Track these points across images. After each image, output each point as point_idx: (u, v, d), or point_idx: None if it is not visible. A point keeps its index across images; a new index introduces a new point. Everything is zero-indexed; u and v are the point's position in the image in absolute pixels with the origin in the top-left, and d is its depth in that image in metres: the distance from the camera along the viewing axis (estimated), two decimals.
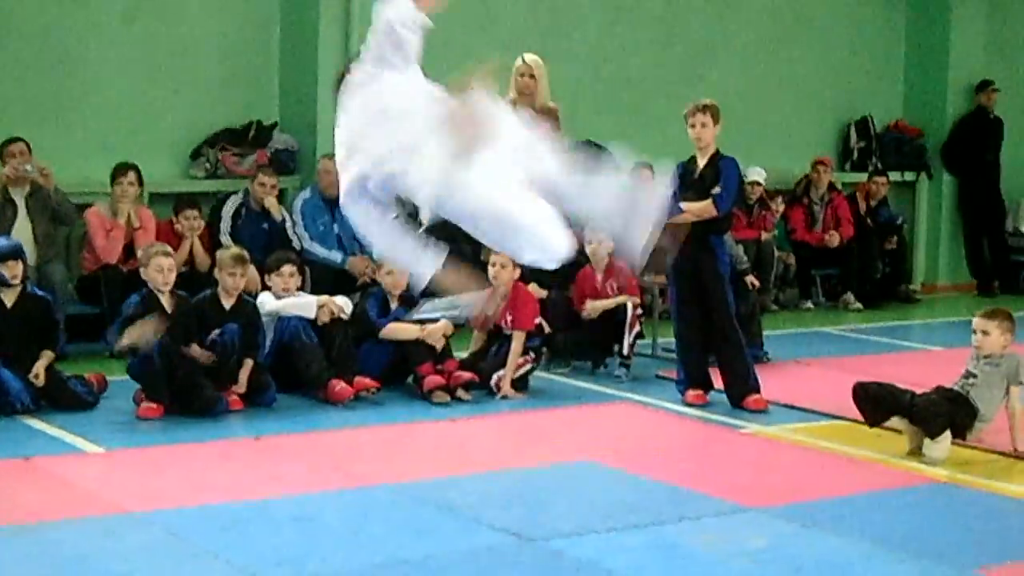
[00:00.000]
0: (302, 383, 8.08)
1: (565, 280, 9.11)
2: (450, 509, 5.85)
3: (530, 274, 8.74)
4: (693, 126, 8.08)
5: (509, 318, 8.42)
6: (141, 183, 9.59)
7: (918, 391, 6.99)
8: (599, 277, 9.13)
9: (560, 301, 9.12)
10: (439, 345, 8.25)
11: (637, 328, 9.01)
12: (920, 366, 9.38)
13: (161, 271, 7.87)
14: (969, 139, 13.37)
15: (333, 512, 5.85)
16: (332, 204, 10.07)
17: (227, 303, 7.95)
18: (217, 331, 7.78)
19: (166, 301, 7.85)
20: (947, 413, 6.78)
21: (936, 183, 13.70)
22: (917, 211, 13.78)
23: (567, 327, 9.09)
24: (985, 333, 6.95)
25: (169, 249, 8.23)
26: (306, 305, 8.24)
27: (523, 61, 9.65)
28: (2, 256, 7.74)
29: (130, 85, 10.35)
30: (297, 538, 5.45)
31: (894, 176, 13.30)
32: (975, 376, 6.92)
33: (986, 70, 13.57)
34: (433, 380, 8.06)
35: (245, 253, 8.25)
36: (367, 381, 8.04)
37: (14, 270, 7.74)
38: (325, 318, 8.21)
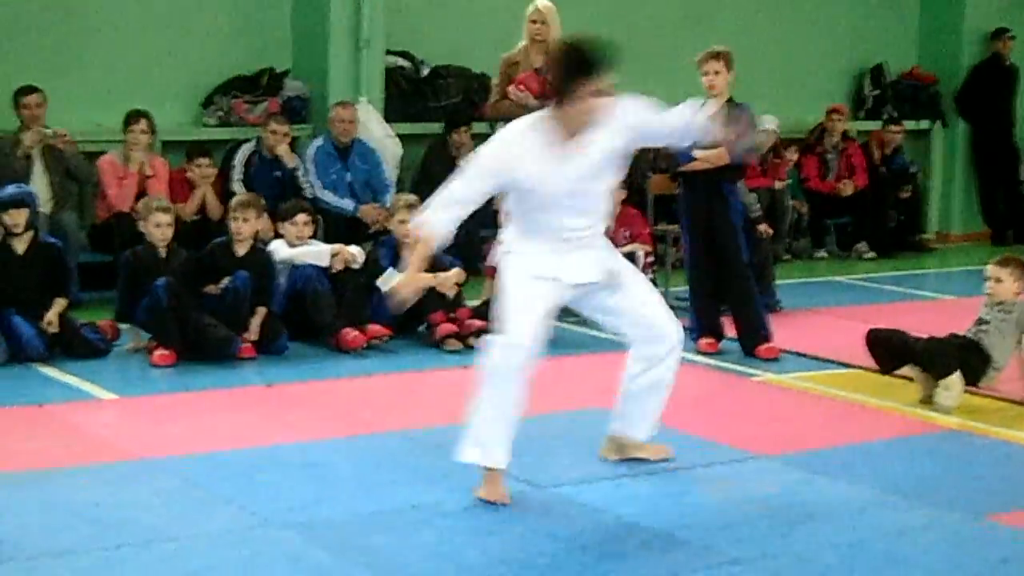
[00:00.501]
0: (315, 331, 8.10)
1: None
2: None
3: None
4: (706, 73, 8.04)
5: None
6: (153, 131, 9.59)
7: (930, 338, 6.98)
8: (611, 225, 9.10)
9: None
10: (451, 293, 8.26)
11: (649, 275, 8.99)
12: (933, 315, 9.37)
13: (159, 227, 7.91)
14: (984, 87, 13.30)
15: (344, 459, 5.87)
16: (344, 152, 10.08)
17: (240, 250, 7.97)
18: (228, 278, 7.80)
19: (163, 255, 7.90)
20: (956, 356, 6.77)
21: (950, 132, 13.65)
22: (931, 160, 13.73)
23: None
24: (998, 280, 6.94)
25: (168, 204, 8.26)
26: (319, 253, 8.25)
27: (536, 7, 9.60)
28: (3, 204, 7.74)
29: (141, 33, 10.33)
30: (308, 484, 5.48)
31: (908, 124, 13.24)
32: (987, 323, 6.92)
33: (1002, 17, 13.48)
34: (445, 328, 8.07)
35: (255, 198, 8.25)
36: (379, 329, 8.05)
37: (16, 218, 7.75)
38: (338, 266, 8.22)
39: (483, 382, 5.27)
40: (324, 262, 8.19)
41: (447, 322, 8.11)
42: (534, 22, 9.56)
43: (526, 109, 9.64)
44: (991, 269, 7.01)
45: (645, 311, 5.59)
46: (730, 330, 8.22)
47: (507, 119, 9.98)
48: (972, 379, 6.86)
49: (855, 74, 13.59)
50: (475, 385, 5.32)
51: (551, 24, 9.58)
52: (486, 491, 5.27)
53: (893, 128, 12.87)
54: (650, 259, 9.03)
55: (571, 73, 5.15)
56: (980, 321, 6.97)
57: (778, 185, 12.03)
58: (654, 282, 9.11)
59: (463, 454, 5.30)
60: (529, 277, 5.40)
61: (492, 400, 5.24)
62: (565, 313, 9.01)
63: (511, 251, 5.49)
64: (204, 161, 9.72)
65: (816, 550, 4.77)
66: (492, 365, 5.25)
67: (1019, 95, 13.42)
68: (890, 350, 7.03)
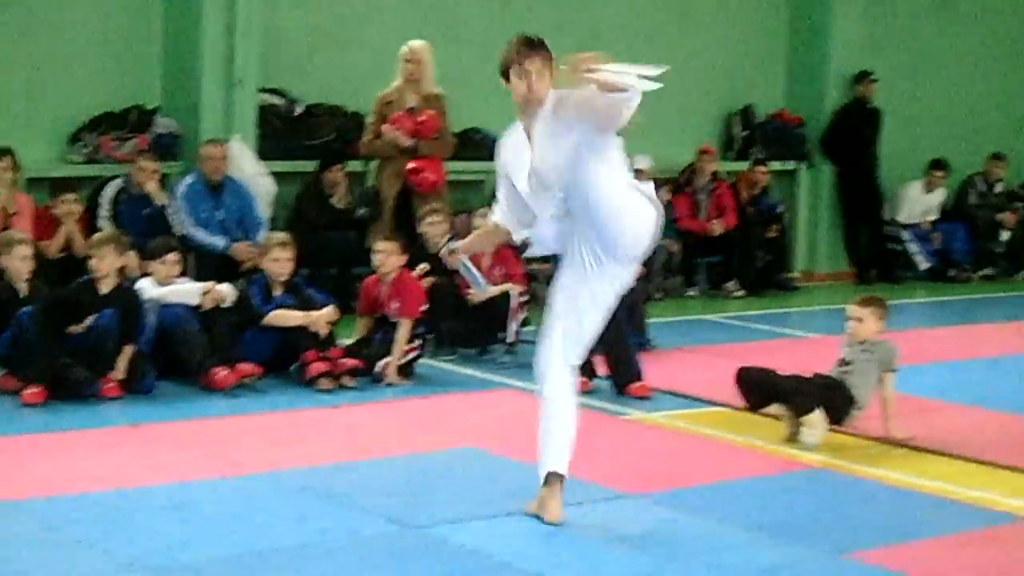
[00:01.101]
0: (184, 370, 7.99)
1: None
2: (332, 497, 5.83)
3: (414, 261, 8.74)
4: None
5: (395, 305, 8.41)
6: (17, 168, 9.41)
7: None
8: (486, 263, 9.14)
9: (446, 288, 9.12)
10: (324, 332, 8.21)
11: (522, 315, 9.04)
12: (799, 353, 9.53)
13: (24, 260, 7.79)
14: (848, 129, 13.61)
15: (213, 500, 5.79)
16: (215, 190, 9.99)
17: (103, 288, 7.84)
18: (93, 316, 7.67)
19: (23, 290, 7.76)
20: (818, 395, 6.89)
21: (816, 172, 13.93)
22: (797, 200, 13.99)
23: (453, 314, 9.09)
24: (859, 320, 7.08)
25: (27, 237, 8.13)
26: (188, 292, 8.15)
27: (409, 47, 9.66)
28: None
29: (6, 68, 10.14)
30: (175, 527, 5.39)
31: (775, 165, 13.49)
32: (850, 364, 7.04)
33: (865, 61, 13.82)
34: (317, 367, 8.02)
35: (115, 235, 8.15)
36: (249, 368, 7.97)
37: None
38: (208, 304, 8.13)
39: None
40: (194, 301, 8.09)
41: (319, 361, 8.06)
42: (408, 61, 9.63)
43: (399, 148, 9.72)
44: (853, 309, 7.15)
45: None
46: (602, 369, 8.27)
47: (381, 158, 10.05)
48: (837, 418, 6.98)
49: (725, 115, 13.82)
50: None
51: (424, 64, 9.65)
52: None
53: (761, 169, 13.10)
54: (524, 298, 9.06)
55: (502, 60, 5.49)
56: (843, 361, 7.09)
57: None
58: (527, 321, 9.17)
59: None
60: None
61: None
62: (440, 351, 9.10)
63: None
64: (70, 197, 9.55)
65: None
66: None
67: (881, 137, 13.75)
68: (758, 388, 7.14)
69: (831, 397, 6.93)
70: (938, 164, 14.15)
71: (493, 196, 11.93)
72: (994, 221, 14.44)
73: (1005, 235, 14.47)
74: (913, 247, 14.04)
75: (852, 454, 6.75)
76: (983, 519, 5.71)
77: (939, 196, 14.31)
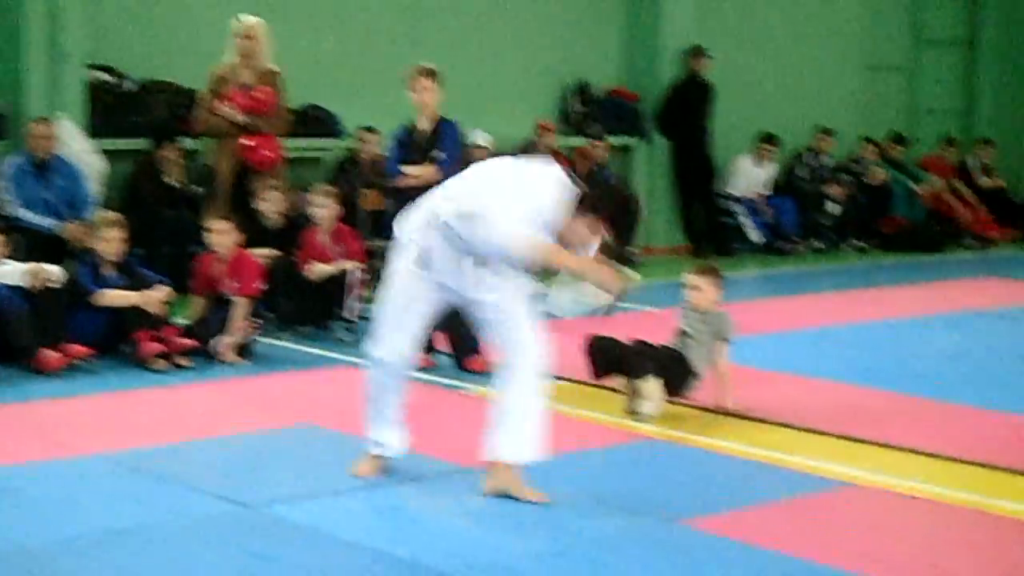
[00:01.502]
0: (11, 352, 7.79)
1: (290, 244, 9.04)
2: (167, 478, 5.75)
3: (251, 239, 8.64)
4: (415, 91, 8.09)
5: (232, 283, 8.30)
6: None
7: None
8: (325, 240, 9.08)
9: (284, 265, 9.03)
10: (158, 312, 8.07)
11: (362, 292, 8.99)
12: (638, 326, 9.62)
13: None
14: (682, 104, 13.81)
15: (44, 483, 5.66)
16: (42, 169, 9.73)
17: None
18: None
19: None
20: (656, 360, 6.97)
21: (652, 147, 14.11)
22: (634, 175, 14.17)
23: (292, 292, 9.01)
24: (697, 289, 7.17)
25: None
26: (14, 273, 7.94)
27: (244, 24, 9.53)
28: None
29: None
30: (5, 511, 5.27)
31: (612, 140, 13.63)
32: (688, 335, 7.15)
33: (698, 36, 14.03)
34: (150, 347, 7.88)
35: None
36: (80, 349, 7.81)
37: None
38: (37, 285, 7.92)
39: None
40: (20, 281, 7.88)
41: (153, 341, 7.92)
42: (242, 37, 9.51)
43: (234, 125, 9.58)
44: (691, 278, 7.24)
45: None
46: (442, 344, 8.28)
47: (216, 135, 9.90)
48: (677, 389, 7.07)
49: (562, 91, 13.92)
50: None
51: (259, 40, 9.52)
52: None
53: (598, 144, 13.23)
54: (365, 276, 9.01)
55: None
56: (681, 332, 7.19)
57: None
58: (367, 300, 9.12)
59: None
60: None
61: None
62: (279, 329, 9.00)
63: None
64: None
65: (522, 560, 4.84)
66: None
67: (714, 111, 13.98)
68: (604, 355, 7.17)
69: (672, 368, 7.02)
70: (768, 138, 14.44)
71: (334, 172, 11.93)
72: (822, 194, 14.80)
73: (833, 208, 14.85)
74: (745, 220, 14.32)
75: (688, 424, 6.86)
76: (812, 485, 5.85)
77: (770, 170, 14.62)
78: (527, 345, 5.70)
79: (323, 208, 9.01)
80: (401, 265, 5.63)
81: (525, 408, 5.68)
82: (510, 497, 5.53)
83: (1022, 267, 13.97)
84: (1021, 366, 8.51)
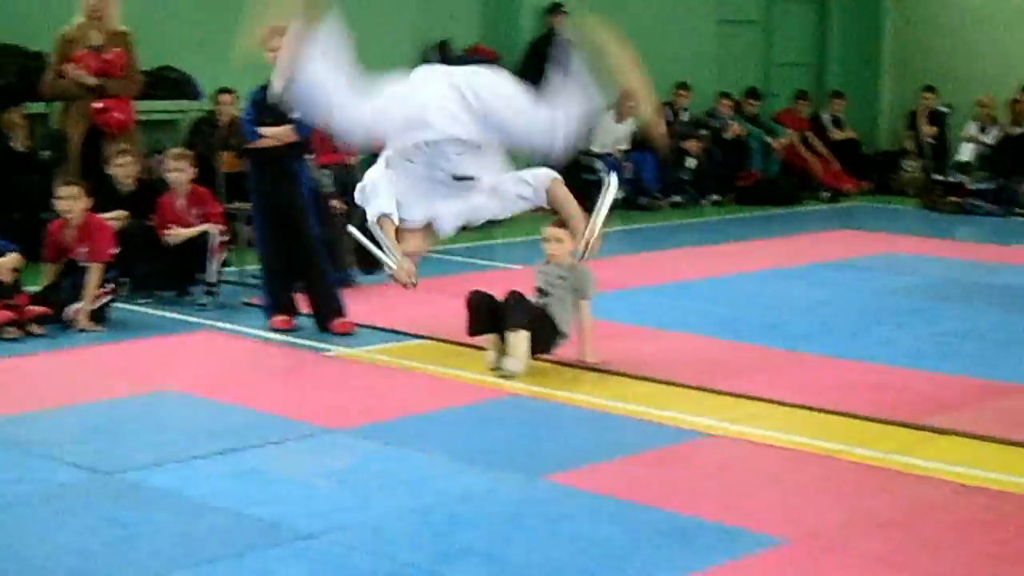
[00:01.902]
0: None
1: (145, 208, 8.89)
2: (21, 446, 5.63)
3: (105, 198, 8.47)
4: (272, 50, 7.93)
5: (84, 249, 8.13)
6: None
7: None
8: (181, 204, 8.93)
9: (140, 230, 8.87)
10: (7, 279, 7.87)
11: (222, 255, 8.88)
12: (503, 284, 9.66)
13: None
14: (541, 60, 13.77)
15: None
16: None
17: None
18: None
19: None
20: (529, 313, 6.98)
21: None
22: None
23: (148, 256, 8.86)
24: (558, 240, 7.17)
25: None
26: None
27: None
28: None
29: None
30: None
31: None
32: (547, 293, 7.17)
33: None
34: (2, 315, 7.69)
35: None
36: None
37: None
38: None
39: None
40: None
41: (3, 308, 7.73)
42: None
43: (84, 88, 9.36)
44: (550, 231, 7.24)
45: None
46: (304, 306, 8.22)
47: (65, 98, 9.66)
48: (544, 348, 7.10)
49: (422, 50, 13.82)
50: None
51: (108, 1, 9.31)
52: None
53: None
54: (224, 238, 8.89)
55: None
56: (540, 291, 7.20)
57: (351, 160, 12.10)
58: (227, 263, 9.01)
59: None
60: None
61: None
62: (136, 294, 8.84)
63: None
64: None
65: (386, 519, 4.85)
66: None
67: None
68: (482, 310, 7.12)
69: (538, 325, 7.04)
70: (627, 94, 14.50)
71: (190, 134, 11.73)
72: (681, 149, 14.96)
73: (691, 163, 15.01)
74: (606, 176, 14.38)
75: (551, 380, 6.91)
76: (673, 437, 5.92)
77: (629, 125, 14.71)
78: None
79: (179, 172, 8.87)
80: None
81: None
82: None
83: (873, 218, 14.30)
84: (872, 316, 8.70)
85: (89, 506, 4.95)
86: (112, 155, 9.03)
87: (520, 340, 6.92)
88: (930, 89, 16.42)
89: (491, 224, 12.91)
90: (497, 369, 7.00)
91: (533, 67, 13.82)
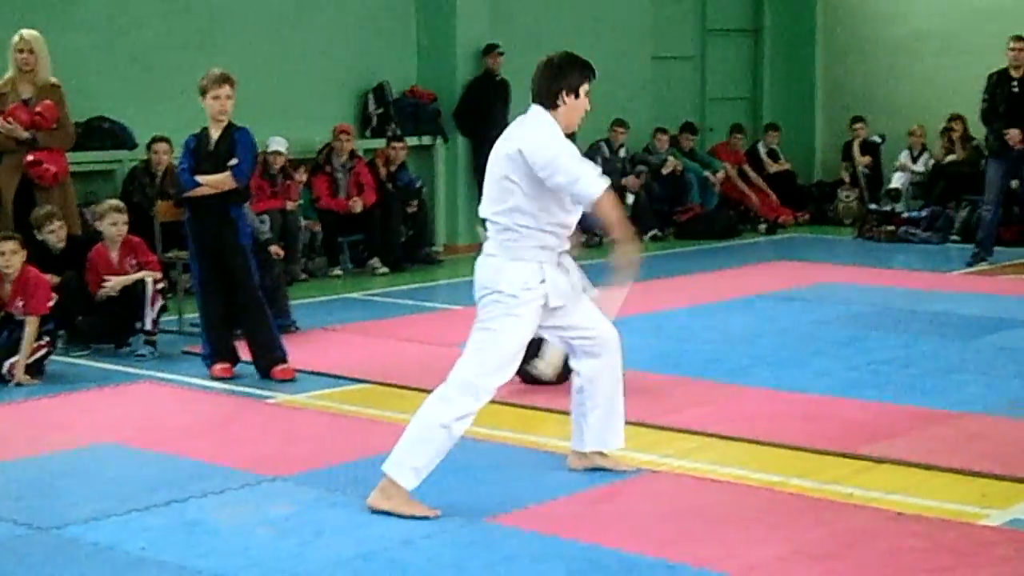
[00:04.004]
0: None
1: (78, 264, 8.84)
2: None
3: (38, 258, 8.43)
4: (218, 97, 7.93)
5: (20, 303, 8.08)
6: None
7: None
8: (115, 255, 8.89)
9: (76, 282, 8.82)
10: None
11: (160, 303, 8.85)
12: (445, 325, 9.72)
13: None
14: (478, 101, 13.89)
15: None
16: None
17: None
18: None
19: None
20: None
21: (452, 146, 14.18)
22: (436, 174, 14.22)
23: (86, 308, 8.81)
24: None
25: None
26: None
27: (21, 37, 9.30)
28: None
29: None
30: None
31: (411, 141, 13.66)
32: None
33: (492, 33, 14.13)
34: None
35: None
36: None
37: None
38: None
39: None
40: None
41: None
42: (20, 51, 9.28)
43: (17, 141, 9.31)
44: None
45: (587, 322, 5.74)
46: (245, 354, 8.20)
47: None
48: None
49: (360, 93, 13.88)
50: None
51: (39, 54, 9.30)
52: (410, 508, 5.33)
53: (397, 145, 13.24)
54: (160, 286, 8.84)
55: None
56: None
57: (289, 206, 12.13)
58: (164, 308, 8.97)
59: (397, 473, 5.36)
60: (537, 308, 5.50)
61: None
62: (74, 347, 8.78)
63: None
64: None
65: (329, 566, 4.83)
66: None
67: (511, 108, 14.09)
68: None
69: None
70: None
71: (124, 183, 11.68)
72: (619, 186, 15.03)
73: (630, 199, 15.11)
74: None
75: (493, 421, 6.85)
76: (612, 474, 5.92)
77: None
78: (609, 332, 5.82)
79: (112, 225, 8.82)
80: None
81: (617, 395, 5.86)
82: (607, 471, 5.88)
83: (810, 248, 14.45)
84: (809, 346, 8.79)
85: (26, 564, 4.90)
86: (39, 221, 8.94)
87: (555, 348, 6.92)
88: (860, 120, 16.64)
89: (434, 264, 13.11)
90: (525, 370, 6.96)
91: (470, 108, 13.96)
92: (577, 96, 5.63)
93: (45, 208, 9.02)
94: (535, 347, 7.25)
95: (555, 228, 5.57)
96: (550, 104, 5.60)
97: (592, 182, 5.42)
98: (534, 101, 5.66)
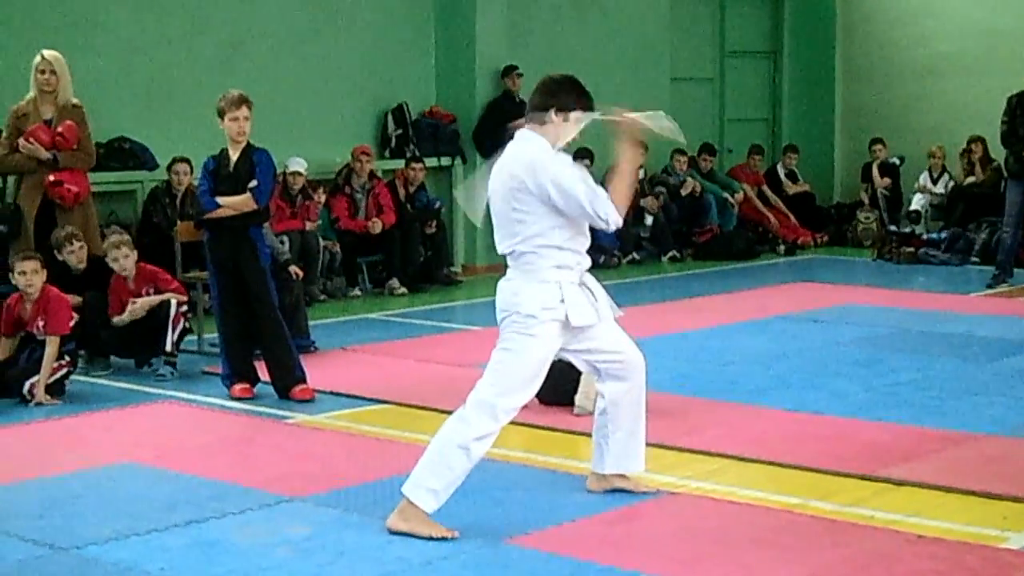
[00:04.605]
0: None
1: (100, 281, 8.87)
2: None
3: (59, 278, 8.46)
4: (236, 119, 7.96)
5: (41, 323, 8.11)
6: None
7: None
8: (132, 285, 8.89)
9: (98, 301, 8.85)
10: None
11: (182, 324, 8.87)
12: (463, 346, 9.73)
13: None
14: (497, 122, 13.86)
15: None
16: None
17: None
18: None
19: None
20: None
21: (470, 167, 14.18)
22: (454, 195, 14.21)
23: (107, 327, 8.84)
24: None
25: None
26: None
27: (43, 58, 9.35)
28: None
29: None
30: None
31: (430, 162, 13.69)
32: None
33: (510, 55, 14.17)
34: None
35: None
36: None
37: None
38: None
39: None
40: None
41: None
42: (42, 72, 9.32)
43: (38, 161, 9.37)
44: None
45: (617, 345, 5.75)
46: (265, 374, 8.22)
47: (19, 173, 9.66)
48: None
49: (379, 114, 13.93)
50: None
51: (60, 75, 9.35)
52: (429, 530, 5.32)
53: (416, 166, 13.27)
54: (183, 309, 8.86)
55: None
56: None
57: (308, 227, 12.16)
58: (186, 332, 8.99)
59: (415, 496, 5.35)
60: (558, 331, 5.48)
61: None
62: (95, 366, 8.80)
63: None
64: None
65: None
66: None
67: None
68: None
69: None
70: (582, 153, 14.61)
71: (144, 205, 11.72)
72: (638, 207, 15.06)
73: (649, 220, 15.12)
74: None
75: (511, 442, 6.87)
76: (631, 496, 5.91)
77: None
78: (634, 355, 5.79)
79: (124, 259, 8.82)
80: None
81: (640, 418, 5.85)
82: (627, 492, 5.88)
83: (829, 270, 14.44)
84: (828, 368, 8.77)
85: None
86: (60, 242, 8.98)
87: (588, 380, 7.00)
88: (879, 141, 16.62)
89: (453, 285, 13.12)
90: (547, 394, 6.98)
91: (489, 129, 13.98)
92: (567, 119, 5.54)
93: (66, 229, 9.06)
94: (574, 384, 7.29)
95: (572, 244, 5.54)
96: (538, 120, 5.53)
97: (605, 205, 5.41)
98: (527, 122, 5.59)
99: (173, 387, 8.50)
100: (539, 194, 5.40)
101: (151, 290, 8.87)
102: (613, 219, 5.47)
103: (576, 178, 5.43)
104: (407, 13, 14.06)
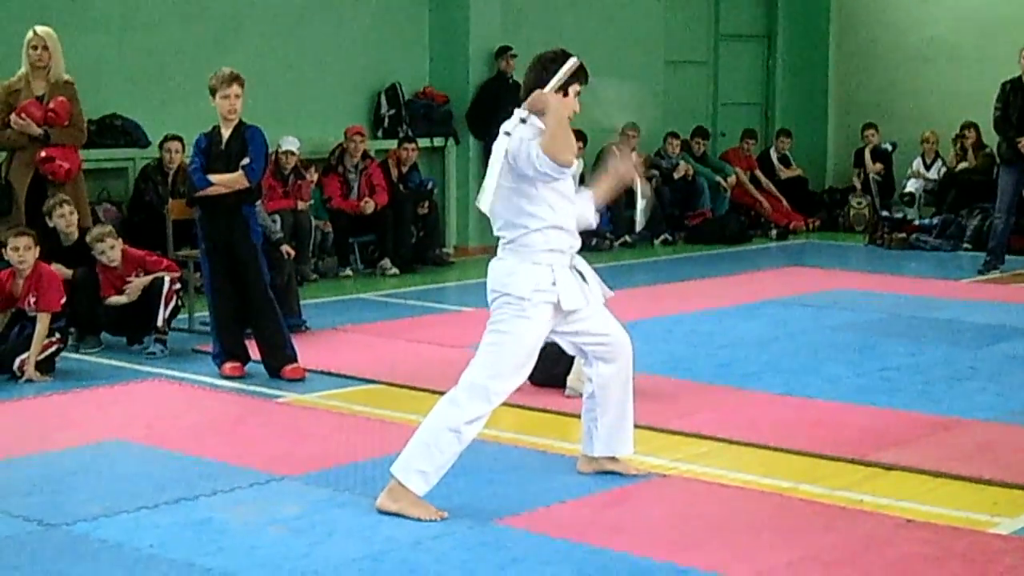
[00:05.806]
0: None
1: (90, 258, 8.85)
2: None
3: (50, 249, 8.44)
4: (227, 97, 7.93)
5: (33, 299, 8.09)
6: None
7: None
8: (121, 272, 8.85)
9: (89, 278, 8.83)
10: None
11: (174, 302, 8.85)
12: (455, 327, 9.72)
13: None
14: (491, 103, 13.87)
15: None
16: None
17: None
18: None
19: None
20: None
21: (463, 148, 14.18)
22: (447, 176, 14.22)
23: (99, 304, 8.81)
24: None
25: None
26: None
27: (35, 33, 9.31)
28: None
29: None
30: None
31: (424, 142, 13.67)
32: None
33: (504, 36, 14.13)
34: None
35: None
36: None
37: None
38: None
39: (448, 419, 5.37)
40: None
41: None
42: (34, 48, 9.28)
43: (30, 137, 9.33)
44: None
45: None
46: (255, 353, 8.21)
47: (10, 149, 9.62)
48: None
49: (372, 94, 13.89)
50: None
51: (52, 51, 9.31)
52: (419, 511, 5.30)
53: (409, 146, 13.25)
54: (176, 287, 8.84)
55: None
56: None
57: (301, 206, 12.13)
58: (178, 310, 8.97)
59: (405, 478, 5.32)
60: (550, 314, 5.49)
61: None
62: (85, 343, 8.78)
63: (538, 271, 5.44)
64: None
65: (337, 566, 4.84)
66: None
67: None
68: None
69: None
70: (577, 135, 14.60)
71: (136, 183, 11.70)
72: (630, 189, 14.98)
73: (641, 203, 15.06)
74: None
75: (502, 423, 6.86)
76: (622, 478, 5.91)
77: (579, 166, 14.74)
78: (622, 337, 5.79)
79: (110, 250, 8.78)
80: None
81: (628, 401, 5.84)
82: (617, 474, 5.87)
83: (821, 255, 14.44)
84: (820, 352, 8.78)
85: (35, 560, 4.90)
86: (50, 207, 8.95)
87: (578, 364, 7.01)
88: (872, 127, 16.62)
89: (445, 266, 13.12)
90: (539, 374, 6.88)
91: (483, 110, 13.96)
92: (565, 94, 5.53)
93: (57, 196, 9.02)
94: (566, 366, 7.28)
95: (562, 224, 5.53)
96: None
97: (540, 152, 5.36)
98: (522, 100, 5.56)
99: (164, 365, 8.49)
100: (515, 167, 5.38)
101: (141, 273, 8.85)
102: (560, 162, 5.40)
103: (527, 137, 5.42)
104: None
